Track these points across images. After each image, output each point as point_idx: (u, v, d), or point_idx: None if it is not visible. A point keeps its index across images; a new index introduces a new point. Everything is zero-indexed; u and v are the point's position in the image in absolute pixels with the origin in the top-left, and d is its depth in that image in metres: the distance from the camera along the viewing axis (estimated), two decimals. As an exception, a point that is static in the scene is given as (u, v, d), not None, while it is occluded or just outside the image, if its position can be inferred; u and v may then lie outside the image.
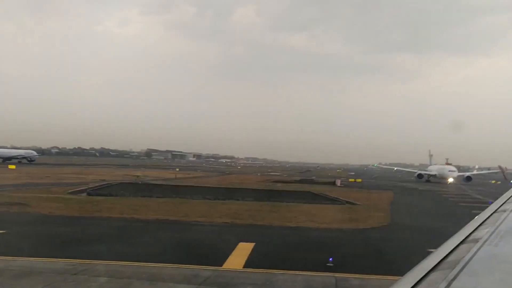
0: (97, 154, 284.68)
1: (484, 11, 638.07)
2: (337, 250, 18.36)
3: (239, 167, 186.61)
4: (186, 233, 22.25)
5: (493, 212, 4.57)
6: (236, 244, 18.17)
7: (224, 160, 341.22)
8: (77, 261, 14.78)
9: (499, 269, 2.44)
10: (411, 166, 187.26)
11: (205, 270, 14.23)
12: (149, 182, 59.89)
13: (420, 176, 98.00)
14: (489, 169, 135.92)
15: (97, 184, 50.44)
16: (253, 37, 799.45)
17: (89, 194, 41.36)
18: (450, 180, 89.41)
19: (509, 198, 5.83)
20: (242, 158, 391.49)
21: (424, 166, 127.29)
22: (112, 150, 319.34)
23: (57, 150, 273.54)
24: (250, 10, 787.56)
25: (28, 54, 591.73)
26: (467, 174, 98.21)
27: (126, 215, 26.44)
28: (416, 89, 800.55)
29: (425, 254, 2.90)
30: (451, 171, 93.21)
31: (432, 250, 3.06)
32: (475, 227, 3.66)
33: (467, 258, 2.54)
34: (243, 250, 17.36)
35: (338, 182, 70.60)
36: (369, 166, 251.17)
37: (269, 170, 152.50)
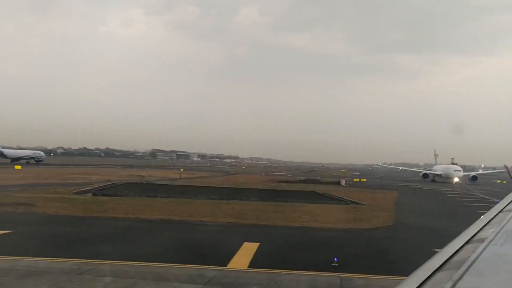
0: (102, 155, 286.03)
1: (487, 11, 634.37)
2: (341, 250, 18.30)
3: (243, 167, 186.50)
4: (190, 233, 22.26)
5: (499, 212, 4.54)
6: (241, 244, 18.18)
7: (228, 160, 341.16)
8: (82, 261, 14.83)
9: (505, 269, 2.42)
10: (416, 166, 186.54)
11: (210, 270, 14.22)
12: (154, 182, 59.92)
13: (425, 175, 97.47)
14: (494, 168, 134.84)
15: (102, 184, 50.47)
16: (256, 37, 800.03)
17: (94, 194, 41.43)
18: (456, 179, 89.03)
19: None
20: (246, 158, 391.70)
21: (429, 166, 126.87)
22: (117, 151, 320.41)
23: (62, 151, 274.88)
24: (252, 10, 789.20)
25: (37, 55, 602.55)
26: (473, 173, 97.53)
27: (131, 215, 26.51)
28: (420, 89, 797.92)
29: (430, 254, 2.88)
30: (457, 170, 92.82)
31: (437, 250, 3.05)
32: (480, 227, 3.64)
33: (472, 258, 2.52)
34: (247, 250, 17.36)
35: (343, 182, 70.35)
36: (374, 166, 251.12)
37: (274, 170, 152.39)
